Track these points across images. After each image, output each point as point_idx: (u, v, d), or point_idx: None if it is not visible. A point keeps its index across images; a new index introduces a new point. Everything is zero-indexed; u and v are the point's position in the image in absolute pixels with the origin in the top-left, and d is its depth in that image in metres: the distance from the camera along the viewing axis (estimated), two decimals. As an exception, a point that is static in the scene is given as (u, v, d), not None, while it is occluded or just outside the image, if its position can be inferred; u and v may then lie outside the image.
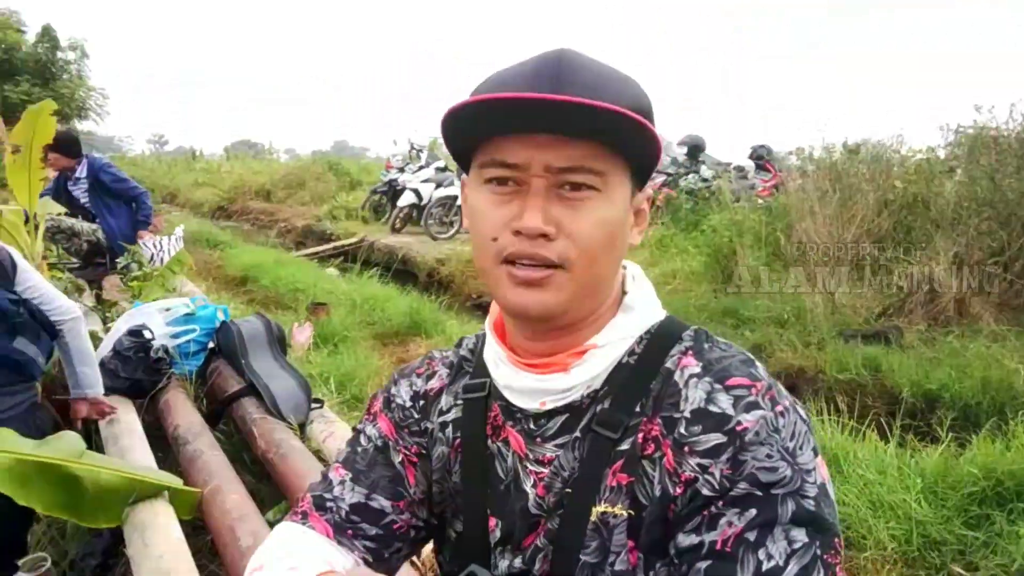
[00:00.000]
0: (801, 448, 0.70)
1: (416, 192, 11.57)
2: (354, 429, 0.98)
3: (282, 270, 8.18)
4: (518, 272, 0.74)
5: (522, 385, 0.82)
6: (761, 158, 11.78)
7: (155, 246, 5.61)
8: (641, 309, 0.83)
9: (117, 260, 5.42)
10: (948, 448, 3.02)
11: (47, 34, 24.42)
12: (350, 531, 0.87)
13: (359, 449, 0.93)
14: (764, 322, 5.87)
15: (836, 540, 0.69)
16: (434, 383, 0.94)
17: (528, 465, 0.83)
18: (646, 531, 0.74)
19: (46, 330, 2.47)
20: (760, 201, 8.45)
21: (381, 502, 0.89)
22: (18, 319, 2.33)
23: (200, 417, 3.14)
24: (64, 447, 2.13)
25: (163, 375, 3.38)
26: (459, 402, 0.91)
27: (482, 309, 7.20)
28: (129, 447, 2.69)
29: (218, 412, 3.37)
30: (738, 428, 0.69)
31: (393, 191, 12.62)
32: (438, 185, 11.60)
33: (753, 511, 0.67)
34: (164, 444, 3.02)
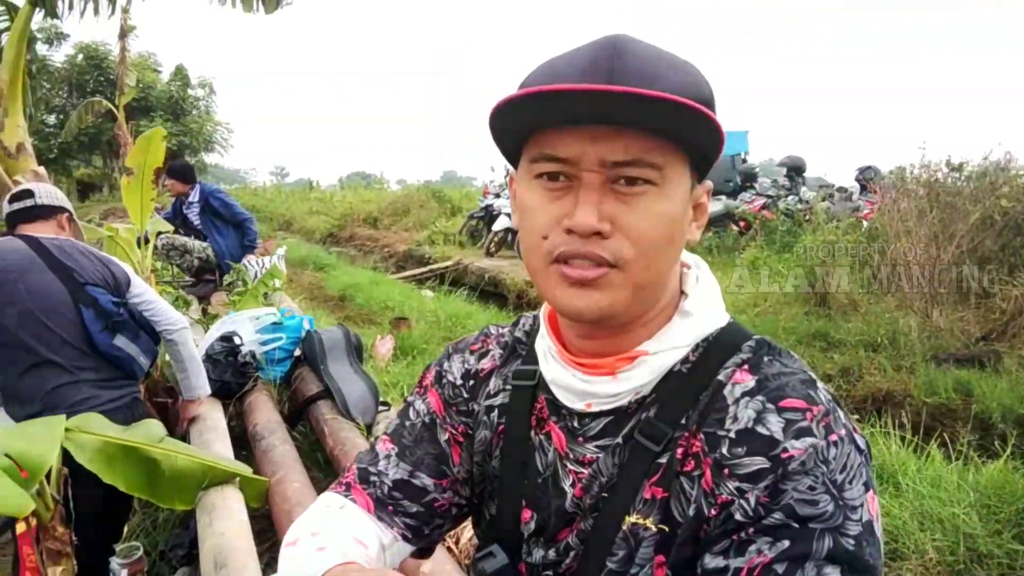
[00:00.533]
0: (851, 482, 0.65)
1: (510, 216, 11.66)
2: (405, 400, 0.98)
3: (376, 290, 8.54)
4: (571, 271, 0.70)
5: (569, 384, 0.80)
6: (868, 179, 11.40)
7: (258, 263, 6.02)
8: (700, 315, 0.78)
9: (224, 277, 5.87)
10: (1007, 463, 2.86)
11: (179, 73, 26.57)
12: (391, 507, 0.88)
13: (407, 423, 0.93)
14: (855, 346, 5.68)
15: None
16: (486, 363, 0.93)
17: (568, 464, 0.81)
18: (677, 549, 0.71)
19: (146, 331, 2.67)
20: (865, 224, 8.18)
21: (424, 480, 0.89)
22: (118, 318, 2.53)
23: (278, 416, 3.35)
24: (145, 432, 2.33)
25: (249, 378, 3.62)
26: (507, 387, 0.89)
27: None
28: (211, 441, 2.89)
29: (298, 413, 3.60)
30: (783, 455, 0.65)
31: (489, 216, 12.90)
32: (532, 209, 11.75)
33: (786, 543, 0.63)
34: (247, 443, 3.25)
